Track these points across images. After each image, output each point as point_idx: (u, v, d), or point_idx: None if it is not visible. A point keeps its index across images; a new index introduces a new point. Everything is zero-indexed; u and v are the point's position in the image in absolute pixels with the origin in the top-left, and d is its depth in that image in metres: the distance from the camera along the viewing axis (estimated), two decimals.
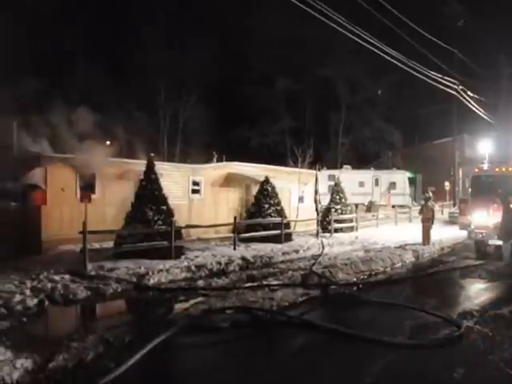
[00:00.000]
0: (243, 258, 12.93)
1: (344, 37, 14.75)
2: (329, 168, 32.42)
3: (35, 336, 7.13)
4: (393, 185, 30.76)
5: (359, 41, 14.47)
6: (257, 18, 39.06)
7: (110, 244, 12.93)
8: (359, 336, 6.64)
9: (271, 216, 16.50)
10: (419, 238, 16.63)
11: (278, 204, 17.02)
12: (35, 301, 8.38)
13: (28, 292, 8.75)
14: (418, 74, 18.15)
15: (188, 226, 14.83)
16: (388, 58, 16.11)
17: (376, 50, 15.36)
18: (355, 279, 10.89)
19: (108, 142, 17.85)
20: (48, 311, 8.37)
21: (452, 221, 24.28)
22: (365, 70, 39.06)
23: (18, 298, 8.30)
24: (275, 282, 10.19)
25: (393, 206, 29.12)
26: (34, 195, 14.82)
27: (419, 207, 18.33)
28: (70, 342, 6.26)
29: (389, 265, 12.77)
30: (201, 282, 10.51)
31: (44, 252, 13.15)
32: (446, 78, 20.67)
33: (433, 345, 6.48)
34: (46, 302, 8.50)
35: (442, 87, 20.62)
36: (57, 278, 9.84)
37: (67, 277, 10.01)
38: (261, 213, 16.51)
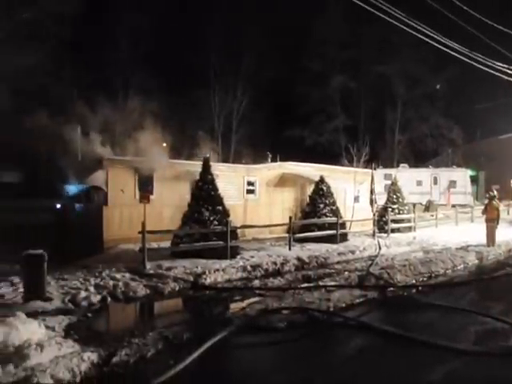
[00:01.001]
0: (298, 259, 12.87)
1: (400, 31, 14.31)
2: (385, 167, 31.61)
3: (99, 331, 7.43)
4: (453, 183, 29.45)
5: (416, 34, 13.95)
6: (311, 16, 38.80)
7: (167, 243, 13.25)
8: (419, 340, 6.42)
9: (326, 216, 16.31)
10: (483, 239, 15.88)
11: (334, 204, 16.80)
12: (98, 297, 8.74)
13: (92, 289, 9.15)
14: (480, 66, 17.22)
15: (243, 226, 14.95)
16: (448, 51, 15.41)
17: (434, 43, 14.74)
18: (414, 281, 10.56)
19: (164, 144, 18.31)
20: (110, 307, 8.69)
21: None
22: (423, 65, 37.76)
23: (83, 294, 8.70)
24: (331, 283, 10.09)
25: (453, 206, 27.92)
26: (96, 197, 15.50)
27: (482, 206, 17.48)
28: (131, 337, 6.49)
29: (450, 267, 12.28)
30: (256, 282, 10.55)
31: (105, 251, 13.67)
32: None
33: (502, 353, 6.10)
34: (109, 299, 8.84)
35: (508, 78, 19.46)
36: (118, 276, 10.23)
37: (127, 275, 10.38)
38: (316, 213, 16.36)
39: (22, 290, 8.48)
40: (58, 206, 16.84)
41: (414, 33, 13.69)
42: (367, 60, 39.18)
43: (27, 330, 5.96)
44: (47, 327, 6.60)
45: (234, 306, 8.82)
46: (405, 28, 13.38)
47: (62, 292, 8.82)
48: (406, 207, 20.97)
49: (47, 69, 26.19)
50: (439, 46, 15.04)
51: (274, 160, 22.80)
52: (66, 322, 7.27)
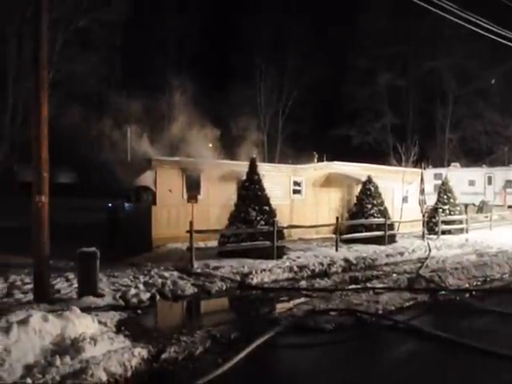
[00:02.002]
0: (346, 260, 12.70)
1: (452, 24, 13.77)
2: (435, 166, 30.68)
3: (148, 327, 7.58)
4: (509, 183, 28.19)
5: (470, 26, 13.33)
6: (356, 14, 38.19)
7: (213, 243, 13.37)
8: (476, 347, 6.14)
9: (374, 217, 15.99)
10: None
11: (381, 204, 16.44)
12: (148, 295, 8.92)
13: (141, 286, 9.37)
14: None
15: (290, 227, 14.88)
16: (506, 42, 14.63)
17: (490, 35, 14.02)
18: (467, 285, 10.18)
19: (210, 144, 18.53)
20: (159, 305, 8.83)
21: None
22: (476, 59, 36.22)
23: (133, 291, 8.91)
24: (380, 285, 9.92)
25: (509, 207, 26.74)
26: (145, 196, 15.87)
27: None
28: (179, 335, 6.61)
29: (507, 271, 11.74)
30: (303, 283, 10.48)
31: (153, 249, 13.95)
32: None
33: None
34: (157, 297, 8.99)
35: None
36: (166, 274, 10.44)
37: (175, 273, 10.57)
38: (363, 213, 16.07)
39: (76, 285, 8.82)
40: (109, 205, 17.38)
41: (468, 25, 13.09)
42: (416, 55, 38.17)
43: (82, 324, 6.18)
44: (100, 322, 6.81)
45: (281, 307, 8.79)
46: (457, 21, 12.83)
47: (113, 289, 9.09)
48: (458, 208, 20.23)
49: (99, 73, 27.24)
50: (495, 38, 14.32)
51: (320, 160, 22.60)
52: (117, 317, 7.49)
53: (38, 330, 5.71)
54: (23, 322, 5.74)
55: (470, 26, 13.37)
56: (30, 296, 8.27)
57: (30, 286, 8.73)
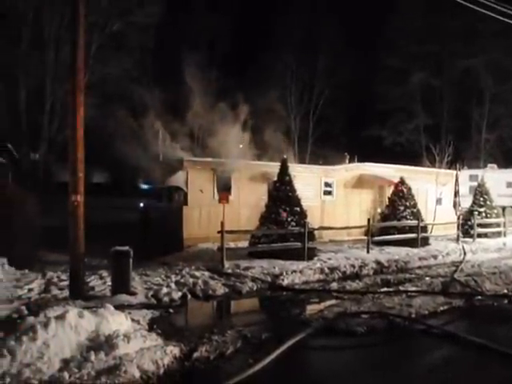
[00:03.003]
0: (377, 262, 12.53)
1: (488, 19, 13.28)
2: (470, 167, 29.85)
3: (180, 326, 7.68)
4: None
5: (508, 20, 12.83)
6: (388, 13, 37.59)
7: (244, 243, 13.42)
8: None
9: (407, 219, 15.71)
10: None
11: (414, 206, 16.15)
12: (179, 294, 9.03)
13: (173, 286, 9.50)
14: None
15: (321, 228, 14.78)
16: None
17: None
18: (506, 291, 9.83)
19: (241, 145, 18.60)
20: (190, 304, 8.93)
21: None
22: None
23: (164, 290, 9.04)
24: (413, 289, 9.76)
25: None
26: (177, 197, 16.07)
27: None
28: (211, 334, 6.65)
29: None
30: (334, 285, 10.40)
31: (184, 249, 14.10)
32: None
33: None
34: (189, 296, 9.10)
35: None
36: (197, 274, 10.53)
37: (206, 273, 10.65)
38: (395, 215, 15.82)
39: (109, 283, 9.01)
40: (142, 205, 17.69)
41: (505, 19, 12.62)
42: (450, 53, 37.17)
43: (115, 322, 6.30)
44: (133, 320, 6.92)
45: (312, 308, 8.74)
46: (493, 15, 12.36)
47: (145, 287, 9.25)
48: (495, 210, 19.64)
49: (131, 75, 27.77)
50: None
51: (351, 161, 22.35)
52: (150, 316, 7.61)
53: (74, 326, 5.86)
54: (60, 318, 5.90)
55: (508, 20, 12.88)
56: (66, 292, 8.52)
57: (65, 283, 8.98)
